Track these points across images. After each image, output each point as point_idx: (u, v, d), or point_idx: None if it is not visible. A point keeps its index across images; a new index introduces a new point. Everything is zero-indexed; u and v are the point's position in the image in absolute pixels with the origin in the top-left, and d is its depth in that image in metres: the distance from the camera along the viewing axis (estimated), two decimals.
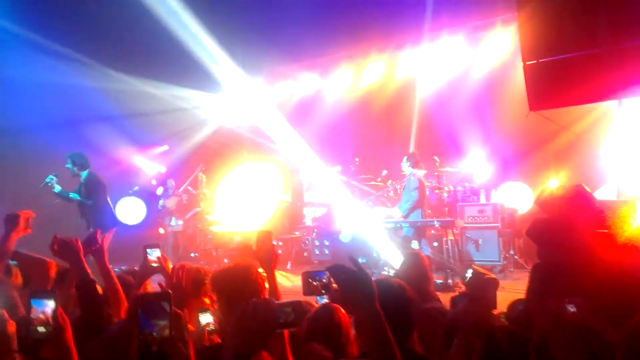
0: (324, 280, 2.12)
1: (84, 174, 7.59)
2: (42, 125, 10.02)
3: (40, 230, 3.05)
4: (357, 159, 10.56)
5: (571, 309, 2.36)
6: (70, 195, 7.51)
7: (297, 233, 11.16)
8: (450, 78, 11.05)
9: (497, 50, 10.49)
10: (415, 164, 8.44)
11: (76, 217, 7.72)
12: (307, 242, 10.77)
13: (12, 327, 1.87)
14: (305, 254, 10.76)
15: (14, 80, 10.22)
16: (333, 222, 10.39)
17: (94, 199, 7.52)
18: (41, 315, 1.74)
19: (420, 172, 8.50)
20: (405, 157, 8.57)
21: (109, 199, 7.87)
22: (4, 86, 10.25)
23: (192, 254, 10.54)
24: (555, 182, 9.26)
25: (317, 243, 10.44)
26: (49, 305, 1.76)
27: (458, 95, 10.76)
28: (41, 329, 1.73)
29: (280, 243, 10.80)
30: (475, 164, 10.39)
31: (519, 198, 9.76)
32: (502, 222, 9.01)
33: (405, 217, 8.29)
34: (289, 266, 10.25)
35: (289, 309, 1.87)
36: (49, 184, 7.33)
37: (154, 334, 1.53)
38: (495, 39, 10.55)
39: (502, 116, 10.02)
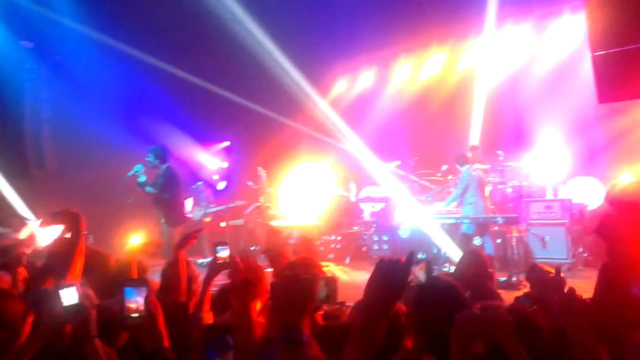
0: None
1: (163, 167, 7.66)
2: (108, 123, 10.38)
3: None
4: (413, 159, 10.33)
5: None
6: (146, 188, 7.53)
7: (355, 228, 11.11)
8: (515, 69, 10.67)
9: (564, 39, 10.04)
10: (464, 162, 8.60)
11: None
12: (365, 237, 10.72)
13: (93, 312, 1.94)
14: (364, 249, 10.71)
15: (83, 80, 10.74)
16: (391, 217, 10.29)
17: (171, 193, 7.61)
18: (133, 303, 1.81)
19: (474, 167, 8.56)
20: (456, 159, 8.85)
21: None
22: (74, 86, 10.79)
23: (252, 248, 10.70)
24: (627, 177, 8.75)
25: (375, 238, 10.34)
26: (141, 292, 1.83)
27: (523, 87, 10.36)
28: (134, 315, 1.82)
29: (339, 238, 10.82)
30: (541, 158, 9.96)
31: (589, 193, 9.30)
32: (571, 219, 8.60)
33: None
34: (347, 261, 10.25)
35: (324, 285, 1.90)
36: (137, 173, 7.39)
37: None
38: (563, 27, 10.10)
39: (570, 108, 9.56)
